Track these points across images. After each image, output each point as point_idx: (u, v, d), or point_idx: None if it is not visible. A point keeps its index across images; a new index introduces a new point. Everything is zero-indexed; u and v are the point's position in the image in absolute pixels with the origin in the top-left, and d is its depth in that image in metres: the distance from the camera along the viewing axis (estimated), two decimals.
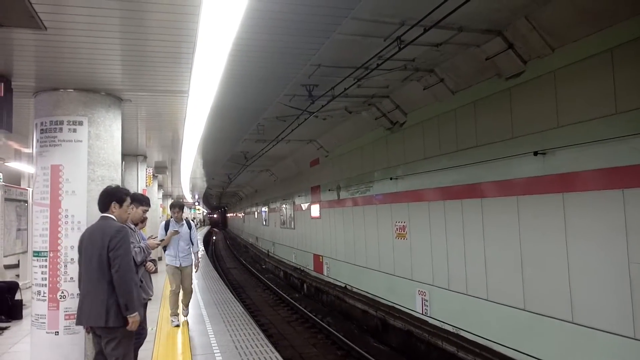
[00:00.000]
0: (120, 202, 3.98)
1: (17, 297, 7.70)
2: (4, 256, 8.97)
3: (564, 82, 5.58)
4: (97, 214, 4.64)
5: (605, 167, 5.08)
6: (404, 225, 9.37)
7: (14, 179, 12.79)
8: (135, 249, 4.22)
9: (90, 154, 4.75)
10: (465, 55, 6.70)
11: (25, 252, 9.56)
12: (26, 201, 9.88)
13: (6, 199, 8.99)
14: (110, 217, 3.91)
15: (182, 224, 7.38)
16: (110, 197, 3.97)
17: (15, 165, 11.36)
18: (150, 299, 4.72)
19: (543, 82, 5.86)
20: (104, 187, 4.75)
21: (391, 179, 9.68)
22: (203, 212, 77.83)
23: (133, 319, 3.64)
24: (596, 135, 5.13)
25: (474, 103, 7.16)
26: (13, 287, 7.69)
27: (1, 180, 11.19)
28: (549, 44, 5.65)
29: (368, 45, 6.18)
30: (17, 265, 10.50)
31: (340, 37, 5.65)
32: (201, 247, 27.15)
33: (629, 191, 4.84)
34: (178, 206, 7.46)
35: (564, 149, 5.54)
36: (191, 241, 7.42)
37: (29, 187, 10.71)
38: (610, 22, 4.96)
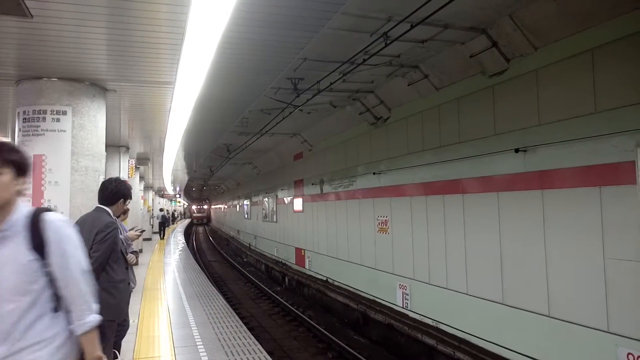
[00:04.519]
0: (126, 199, 4.02)
1: None
2: None
3: (546, 81, 5.70)
4: (80, 205, 4.64)
5: (583, 165, 5.22)
6: (386, 220, 9.46)
7: None
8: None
9: (74, 144, 4.70)
10: (450, 52, 6.78)
11: None
12: None
13: None
14: (104, 210, 3.90)
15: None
16: (122, 195, 3.99)
17: None
18: (133, 288, 4.71)
19: (525, 80, 5.97)
20: (88, 177, 4.75)
21: (374, 173, 9.76)
22: (184, 204, 77.19)
23: None
24: (576, 133, 5.26)
25: (457, 100, 7.26)
26: None
27: None
28: (532, 43, 5.76)
29: (355, 40, 6.21)
30: None
31: (327, 32, 5.66)
32: (182, 240, 26.88)
33: (606, 189, 4.98)
34: None
35: (544, 146, 5.66)
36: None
37: None
38: (591, 23, 5.08)
